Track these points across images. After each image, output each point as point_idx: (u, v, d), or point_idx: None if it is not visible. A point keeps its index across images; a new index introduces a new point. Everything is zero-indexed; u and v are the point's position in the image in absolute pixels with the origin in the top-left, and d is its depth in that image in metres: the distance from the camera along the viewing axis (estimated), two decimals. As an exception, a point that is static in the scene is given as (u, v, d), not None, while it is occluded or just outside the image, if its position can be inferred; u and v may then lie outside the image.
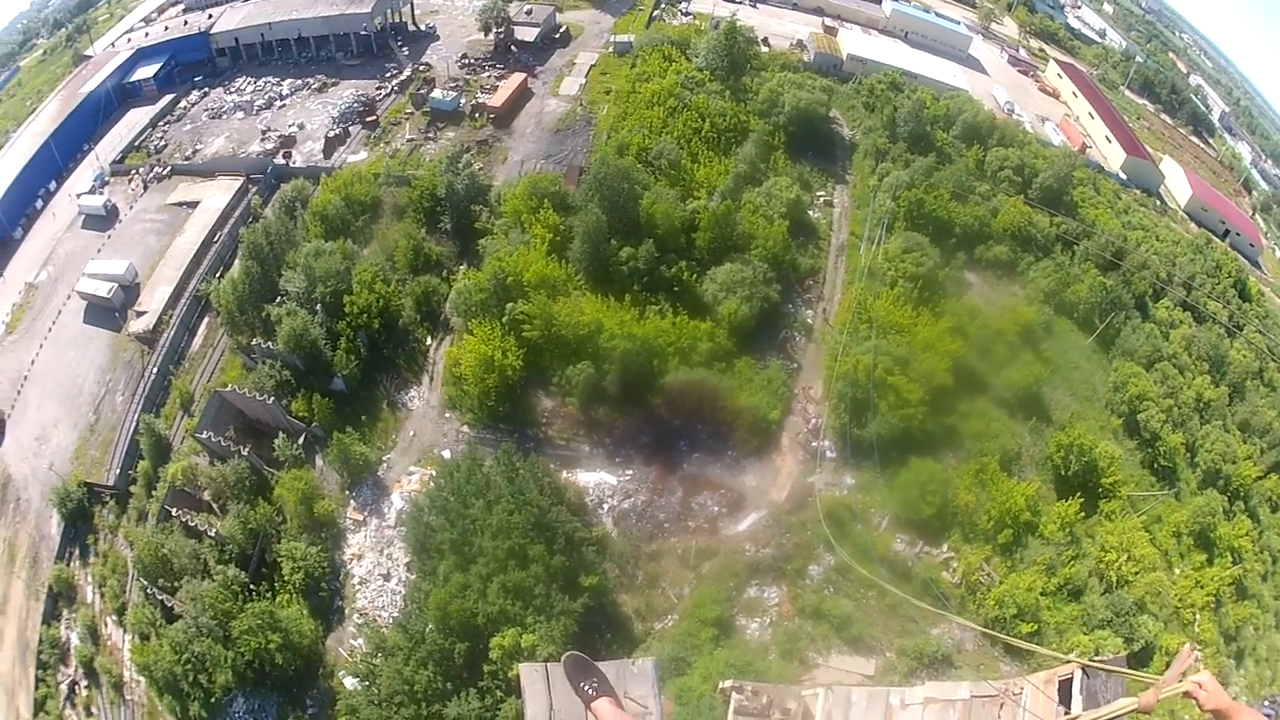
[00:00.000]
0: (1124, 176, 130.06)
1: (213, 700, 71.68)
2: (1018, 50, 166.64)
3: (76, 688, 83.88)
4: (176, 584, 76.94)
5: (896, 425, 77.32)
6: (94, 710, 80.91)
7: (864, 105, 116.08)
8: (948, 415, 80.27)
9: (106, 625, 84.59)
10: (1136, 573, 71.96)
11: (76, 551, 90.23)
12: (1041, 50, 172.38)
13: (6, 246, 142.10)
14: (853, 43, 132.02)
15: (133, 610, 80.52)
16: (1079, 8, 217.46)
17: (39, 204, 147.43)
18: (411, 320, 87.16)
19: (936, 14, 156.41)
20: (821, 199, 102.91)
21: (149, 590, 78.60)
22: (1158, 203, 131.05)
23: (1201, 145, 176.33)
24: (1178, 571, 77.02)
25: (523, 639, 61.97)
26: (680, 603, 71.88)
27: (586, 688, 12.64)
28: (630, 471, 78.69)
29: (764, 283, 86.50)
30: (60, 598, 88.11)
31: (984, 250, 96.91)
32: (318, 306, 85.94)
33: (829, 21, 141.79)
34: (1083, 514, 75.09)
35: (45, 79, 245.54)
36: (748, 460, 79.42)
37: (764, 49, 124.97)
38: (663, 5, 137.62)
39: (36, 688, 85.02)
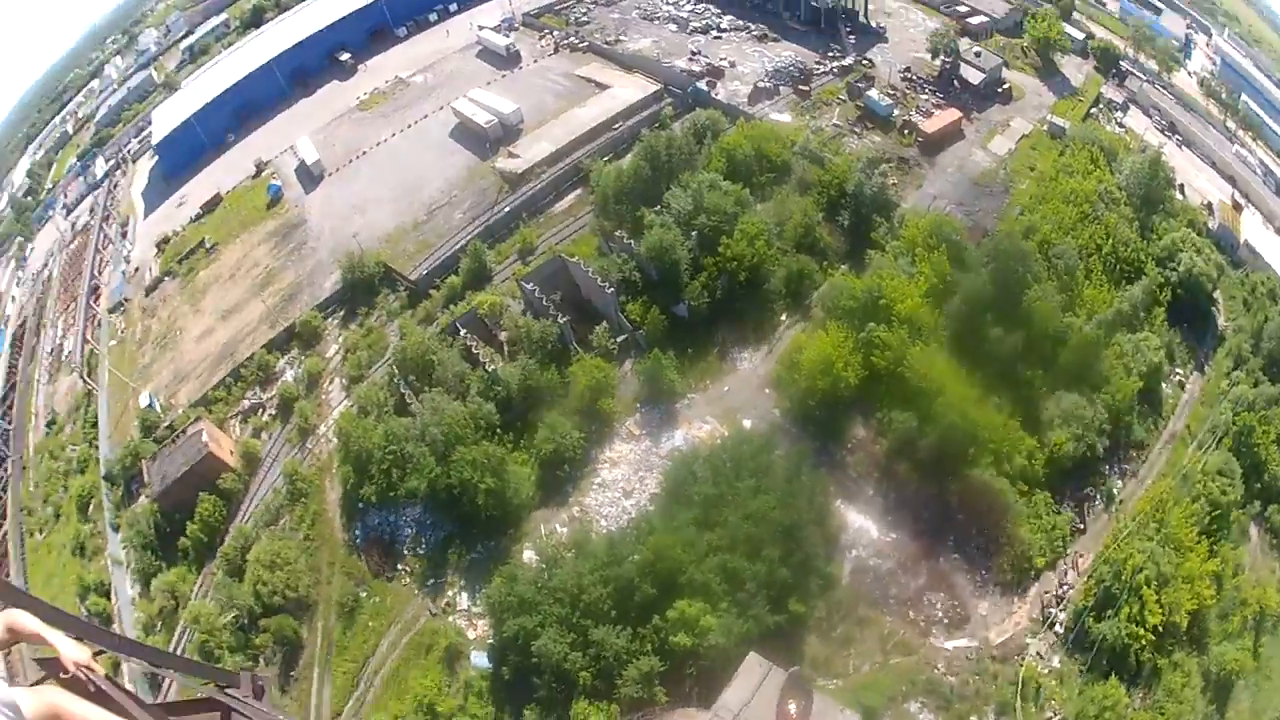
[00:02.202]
0: None
1: (390, 494, 73.62)
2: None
3: (261, 410, 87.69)
4: (423, 389, 78.27)
5: (1123, 639, 69.93)
6: (263, 437, 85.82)
7: (1243, 301, 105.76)
8: (1165, 655, 72.48)
9: (330, 382, 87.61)
10: None
11: (341, 313, 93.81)
12: None
13: (385, 39, 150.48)
14: (1252, 230, 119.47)
15: (368, 386, 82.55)
16: None
17: (432, 16, 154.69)
18: (777, 290, 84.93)
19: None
20: (1177, 378, 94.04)
21: (397, 378, 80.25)
22: None
23: None
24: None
25: (704, 619, 60.13)
26: (849, 676, 67.63)
27: (790, 706, 10.16)
28: (894, 536, 74.35)
29: (1097, 431, 79.75)
30: (297, 337, 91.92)
31: (1275, 512, 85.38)
32: (693, 234, 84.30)
33: (1238, 196, 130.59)
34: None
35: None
36: (993, 589, 73.83)
37: (1178, 195, 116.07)
38: (1101, 105, 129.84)
39: (215, 388, 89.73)
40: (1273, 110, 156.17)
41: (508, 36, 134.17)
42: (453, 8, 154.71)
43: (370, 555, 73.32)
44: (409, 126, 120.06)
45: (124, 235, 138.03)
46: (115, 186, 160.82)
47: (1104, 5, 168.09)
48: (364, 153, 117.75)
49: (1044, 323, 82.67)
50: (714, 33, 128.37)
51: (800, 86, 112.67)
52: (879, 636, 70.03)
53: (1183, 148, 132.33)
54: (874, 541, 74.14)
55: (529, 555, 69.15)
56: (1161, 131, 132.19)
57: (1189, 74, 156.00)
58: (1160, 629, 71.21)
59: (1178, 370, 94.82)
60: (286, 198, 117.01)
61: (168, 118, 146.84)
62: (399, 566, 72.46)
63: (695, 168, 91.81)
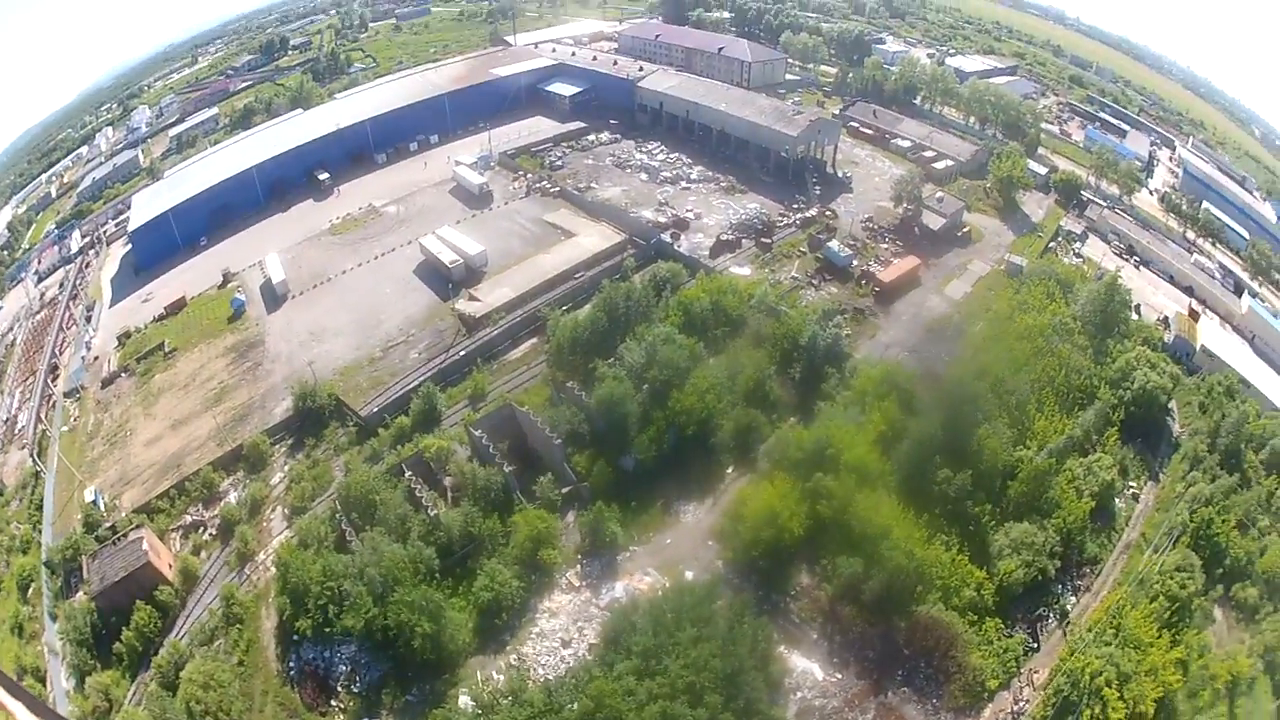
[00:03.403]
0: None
1: (326, 629, 71.54)
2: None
3: (203, 529, 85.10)
4: (365, 527, 76.98)
5: (1088, 738, 67.75)
6: (201, 555, 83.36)
7: (1199, 405, 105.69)
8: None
9: (273, 509, 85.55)
10: None
11: (289, 441, 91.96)
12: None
13: (364, 165, 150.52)
14: (1209, 335, 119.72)
15: (309, 519, 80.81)
16: None
17: (413, 145, 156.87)
18: (724, 443, 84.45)
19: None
20: (1131, 491, 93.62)
21: (339, 515, 78.87)
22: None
23: None
24: None
25: (645, 768, 57.45)
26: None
27: None
28: (840, 676, 73.09)
29: (1048, 555, 79.84)
30: (244, 459, 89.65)
31: (1239, 589, 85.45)
32: (644, 386, 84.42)
33: (1195, 305, 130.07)
34: None
35: (455, 38, 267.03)
36: (945, 715, 72.04)
37: (1134, 316, 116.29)
38: (1060, 239, 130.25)
39: (159, 498, 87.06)
40: (1234, 210, 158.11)
41: (483, 175, 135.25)
42: (433, 139, 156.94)
43: (304, 688, 71.29)
44: (376, 258, 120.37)
45: (88, 319, 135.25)
46: (87, 266, 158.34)
47: (1069, 137, 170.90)
48: (329, 279, 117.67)
49: (993, 459, 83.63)
50: (683, 183, 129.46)
51: (763, 239, 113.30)
52: (825, 773, 67.95)
53: (1140, 268, 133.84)
54: (818, 683, 72.95)
55: (464, 701, 67.63)
56: (1120, 255, 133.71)
57: (1150, 192, 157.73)
58: (1127, 723, 69.48)
59: (1131, 484, 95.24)
60: (249, 314, 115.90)
61: (146, 207, 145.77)
62: (333, 702, 70.26)
63: (652, 320, 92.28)
